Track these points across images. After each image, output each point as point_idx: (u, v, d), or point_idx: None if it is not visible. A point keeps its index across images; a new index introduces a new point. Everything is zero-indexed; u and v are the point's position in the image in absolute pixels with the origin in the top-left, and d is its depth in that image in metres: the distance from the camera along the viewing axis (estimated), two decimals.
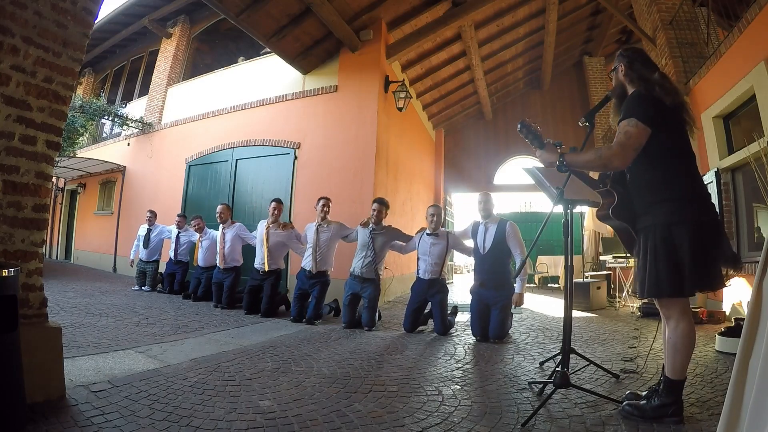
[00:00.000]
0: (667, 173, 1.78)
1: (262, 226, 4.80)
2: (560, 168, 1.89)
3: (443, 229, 4.16)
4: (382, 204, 4.22)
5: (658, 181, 1.79)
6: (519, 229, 3.73)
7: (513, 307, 3.63)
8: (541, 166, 2.15)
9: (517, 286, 3.62)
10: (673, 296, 1.74)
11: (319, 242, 4.37)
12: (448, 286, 4.19)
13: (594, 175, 2.25)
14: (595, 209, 2.21)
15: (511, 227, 3.69)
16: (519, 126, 2.02)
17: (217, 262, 5.28)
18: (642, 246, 1.82)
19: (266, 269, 4.65)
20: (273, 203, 4.76)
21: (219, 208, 5.33)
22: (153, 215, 6.45)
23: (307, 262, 4.41)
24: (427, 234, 4.04)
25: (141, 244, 6.39)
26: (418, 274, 4.08)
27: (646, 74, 1.86)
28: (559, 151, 1.94)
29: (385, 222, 4.33)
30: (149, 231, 6.40)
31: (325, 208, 4.44)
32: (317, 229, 4.41)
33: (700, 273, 1.68)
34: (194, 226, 5.84)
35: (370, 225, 4.21)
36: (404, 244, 4.33)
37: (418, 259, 4.11)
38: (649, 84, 1.83)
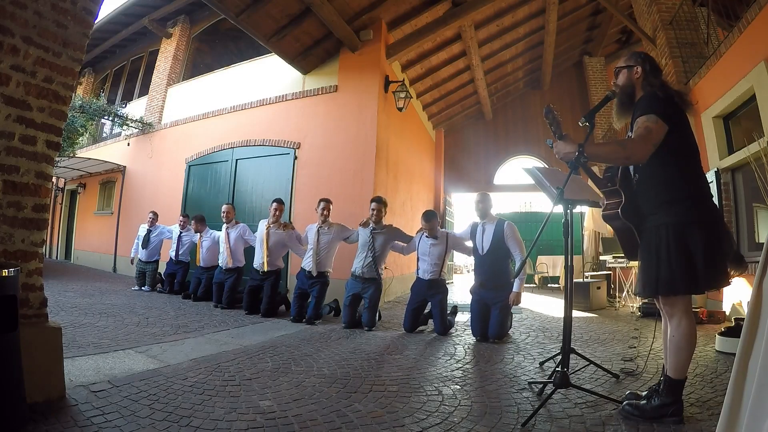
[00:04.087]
0: (682, 171, 1.81)
1: (262, 225, 4.80)
2: (578, 159, 1.82)
3: (443, 230, 4.16)
4: (380, 203, 4.21)
5: (673, 179, 1.81)
6: (517, 229, 3.73)
7: (512, 305, 3.60)
8: (541, 165, 2.16)
9: (515, 285, 3.60)
10: (687, 293, 1.78)
11: (320, 244, 4.37)
12: (447, 286, 4.19)
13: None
14: (594, 209, 2.22)
15: (509, 228, 3.69)
16: (545, 110, 2.03)
17: (221, 262, 5.27)
18: (652, 244, 1.81)
19: (265, 269, 4.65)
20: (274, 204, 4.76)
21: (225, 207, 5.35)
22: (155, 216, 6.44)
23: (307, 263, 4.42)
24: (426, 236, 4.05)
25: (140, 243, 6.39)
26: (417, 274, 4.09)
27: (662, 80, 1.95)
28: (581, 124, 1.94)
29: (385, 221, 4.33)
30: (149, 231, 6.39)
31: (326, 211, 4.44)
32: (318, 231, 4.41)
33: (713, 271, 1.72)
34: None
35: (371, 224, 4.22)
36: (405, 245, 4.33)
37: (417, 259, 4.11)
38: (666, 87, 1.90)
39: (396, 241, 4.31)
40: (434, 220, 4.00)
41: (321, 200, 4.49)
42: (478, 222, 3.85)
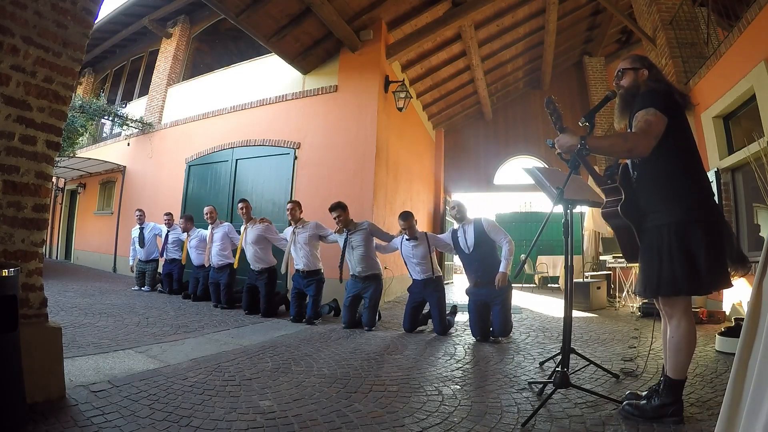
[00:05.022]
0: (683, 168, 1.81)
1: (242, 229, 4.90)
2: (580, 152, 1.83)
3: (420, 231, 4.17)
4: (338, 208, 4.19)
5: (674, 175, 1.80)
6: (494, 220, 3.87)
7: (498, 285, 3.56)
8: (541, 165, 2.16)
9: (501, 265, 3.61)
10: (689, 294, 1.77)
11: (297, 244, 4.43)
12: (444, 285, 4.20)
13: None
14: (594, 209, 2.22)
15: (487, 221, 3.78)
16: (546, 101, 2.02)
17: (204, 261, 5.35)
18: (654, 244, 1.80)
19: (235, 264, 4.75)
20: (240, 204, 4.89)
21: (207, 209, 5.42)
22: (142, 213, 6.47)
23: (297, 264, 4.48)
24: (406, 239, 4.06)
25: (137, 245, 6.40)
26: (411, 276, 4.13)
27: (666, 80, 1.99)
28: (581, 124, 1.95)
29: (385, 221, 4.33)
30: (141, 230, 6.40)
31: (288, 212, 4.53)
32: (294, 231, 4.48)
33: (716, 272, 1.71)
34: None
35: (343, 230, 4.24)
36: (385, 243, 4.36)
37: (405, 264, 4.17)
38: (666, 84, 1.93)
39: (375, 239, 4.31)
40: (411, 219, 4.03)
41: (288, 203, 4.65)
42: (456, 227, 3.91)
